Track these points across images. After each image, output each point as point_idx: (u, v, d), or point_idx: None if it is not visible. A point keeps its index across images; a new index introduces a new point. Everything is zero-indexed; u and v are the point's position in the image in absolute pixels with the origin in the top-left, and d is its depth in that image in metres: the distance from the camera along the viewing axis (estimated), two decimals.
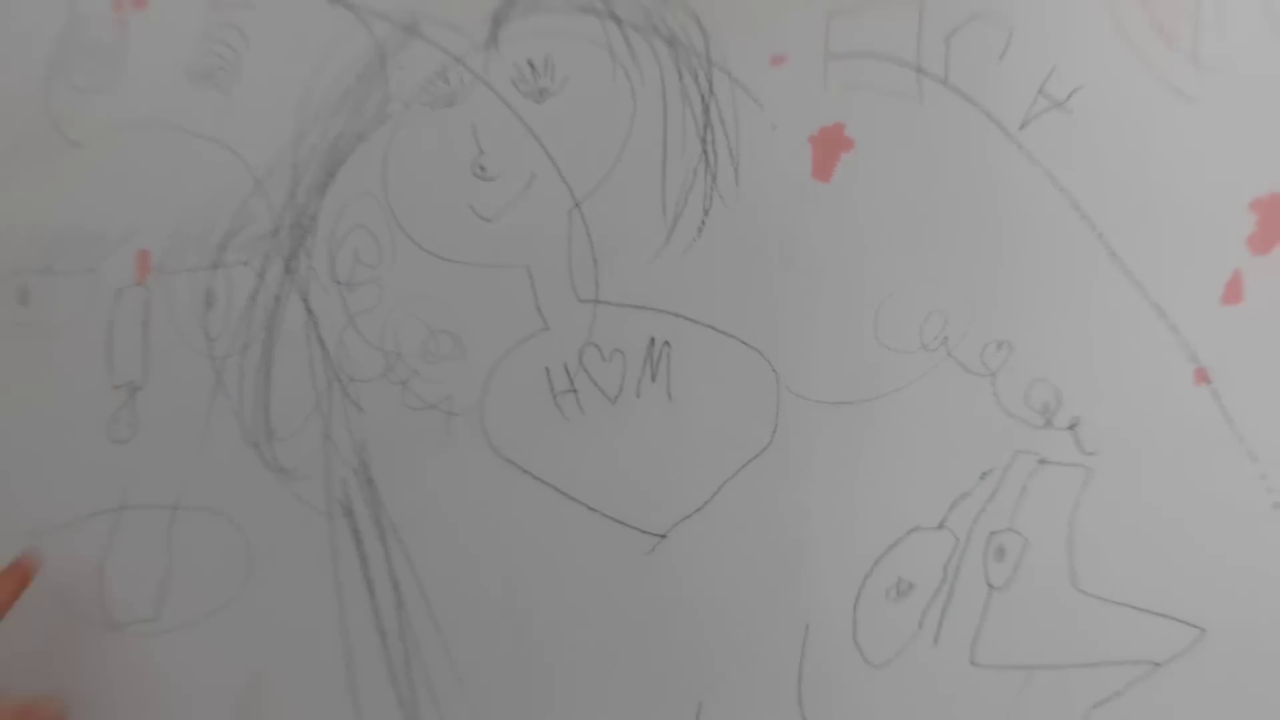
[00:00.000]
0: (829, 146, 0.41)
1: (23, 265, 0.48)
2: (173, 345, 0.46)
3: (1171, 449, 0.37)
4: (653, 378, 0.41)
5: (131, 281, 0.46)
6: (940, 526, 0.38)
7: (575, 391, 0.41)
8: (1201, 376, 0.37)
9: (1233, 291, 0.37)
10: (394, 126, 0.45)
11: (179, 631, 0.45)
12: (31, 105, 0.48)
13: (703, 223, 0.41)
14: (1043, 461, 0.37)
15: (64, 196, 0.47)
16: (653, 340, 0.41)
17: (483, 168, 0.44)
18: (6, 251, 0.47)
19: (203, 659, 0.45)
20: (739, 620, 0.39)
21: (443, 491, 0.42)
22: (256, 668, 0.44)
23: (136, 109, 0.48)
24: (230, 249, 0.45)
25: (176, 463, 0.45)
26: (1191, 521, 0.36)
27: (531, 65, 0.44)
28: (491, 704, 0.41)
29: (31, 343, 0.47)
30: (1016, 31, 0.40)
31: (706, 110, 0.42)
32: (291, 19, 0.46)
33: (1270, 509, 0.36)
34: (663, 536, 0.40)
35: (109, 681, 0.45)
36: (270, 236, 0.45)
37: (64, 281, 0.47)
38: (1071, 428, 0.37)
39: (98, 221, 0.47)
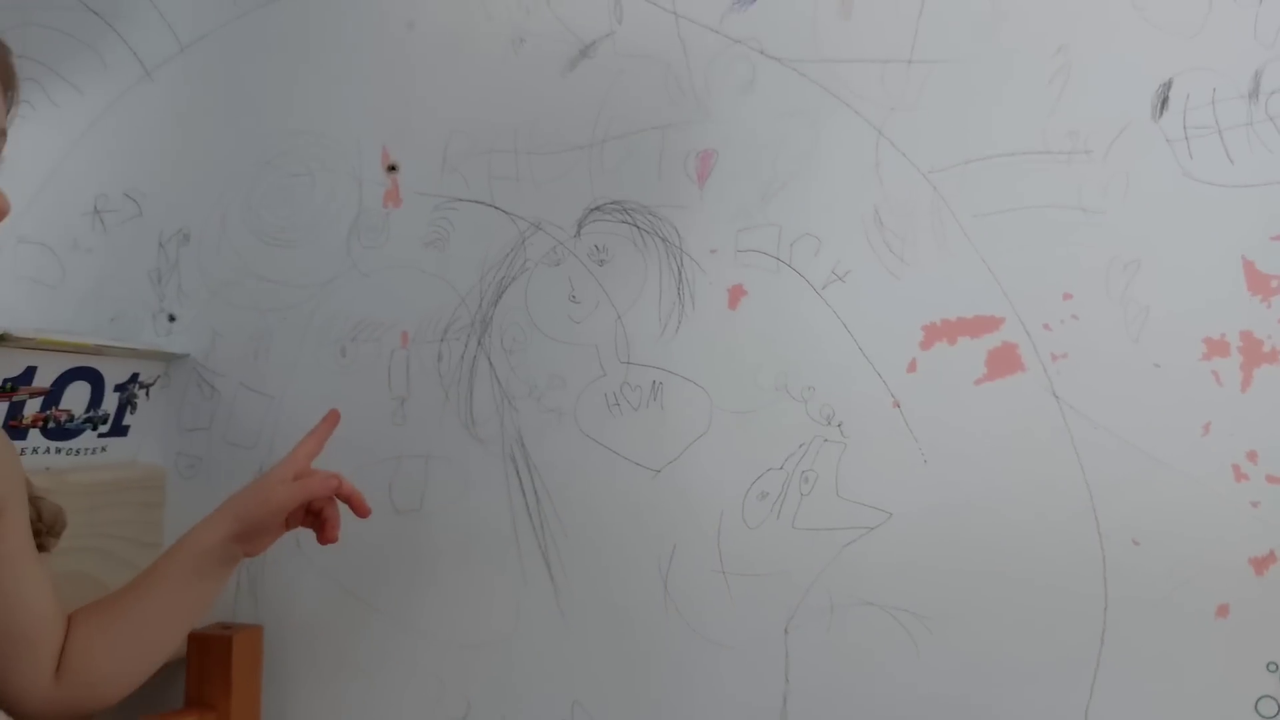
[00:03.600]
0: (736, 294, 0.81)
1: (342, 337, 0.88)
2: (421, 379, 0.87)
3: (880, 435, 0.77)
4: (654, 399, 0.82)
5: (399, 346, 0.87)
6: (781, 468, 0.78)
7: (619, 405, 0.82)
8: (895, 404, 0.77)
9: (911, 366, 0.77)
10: (530, 274, 0.85)
11: (433, 515, 0.86)
12: (340, 253, 0.89)
13: (678, 327, 0.82)
14: (826, 440, 0.78)
15: (362, 303, 0.88)
16: (654, 382, 0.82)
17: (574, 297, 0.84)
18: (334, 331, 0.88)
19: (438, 534, 0.86)
20: (692, 509, 0.80)
21: (557, 449, 0.83)
22: (472, 532, 0.85)
23: (394, 258, 0.88)
24: (450, 331, 0.86)
25: (427, 437, 0.86)
26: (886, 466, 0.76)
27: (597, 247, 0.84)
28: (581, 546, 0.82)
29: (348, 376, 0.88)
30: (824, 241, 0.79)
31: (679, 273, 0.82)
32: (475, 217, 0.86)
33: (922, 463, 0.76)
34: (659, 471, 0.81)
35: (389, 547, 0.87)
36: (469, 326, 0.86)
37: (363, 345, 0.88)
38: (839, 426, 0.78)
39: (380, 314, 0.88)
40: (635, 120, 0.84)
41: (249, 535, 0.71)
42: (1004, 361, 0.76)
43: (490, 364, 0.87)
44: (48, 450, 0.86)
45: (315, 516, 0.73)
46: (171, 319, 0.95)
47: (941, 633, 0.76)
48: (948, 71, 0.78)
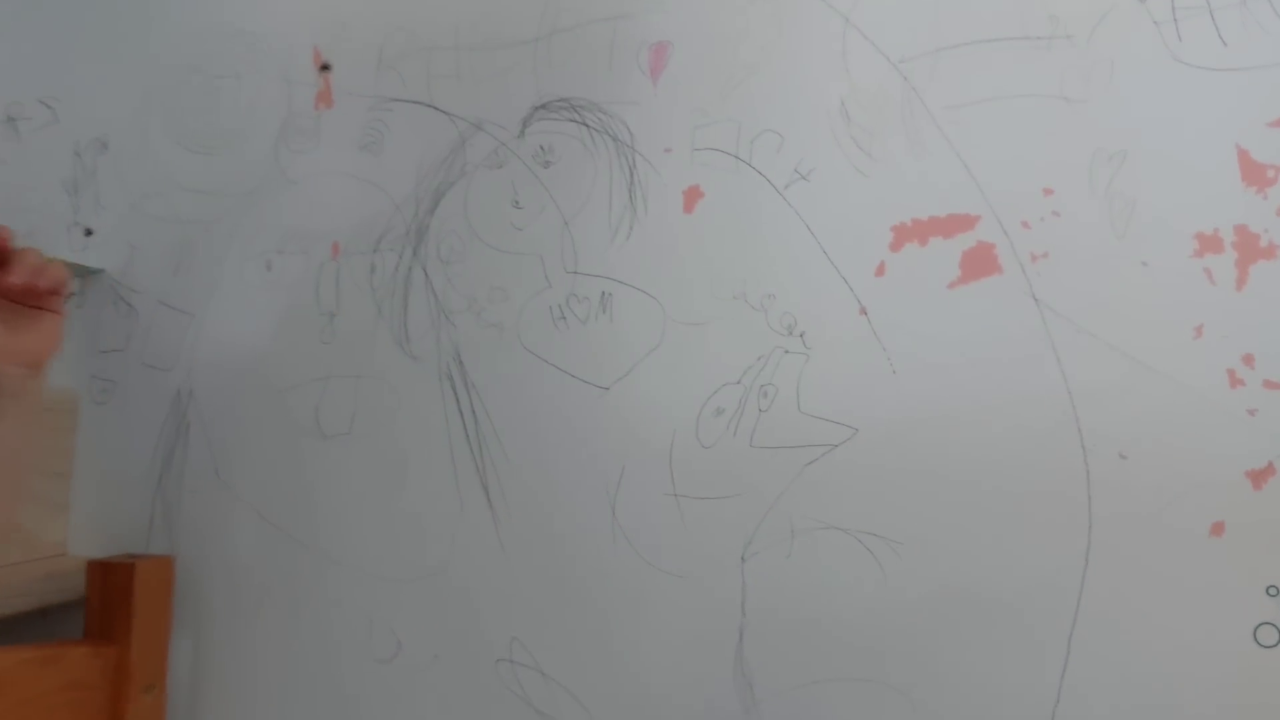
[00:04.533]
0: (692, 196, 0.74)
1: (268, 249, 0.81)
2: (353, 293, 0.79)
3: (846, 345, 0.70)
4: (603, 311, 0.75)
5: (329, 258, 0.80)
6: (738, 382, 0.72)
7: (565, 319, 0.75)
8: (862, 312, 0.70)
9: (880, 270, 0.70)
10: (470, 179, 0.78)
11: (363, 439, 0.79)
12: (268, 160, 0.82)
13: (629, 233, 0.75)
14: (787, 351, 0.71)
15: (290, 213, 0.81)
16: (603, 293, 0.75)
17: (517, 202, 0.77)
18: (259, 243, 0.81)
19: (368, 460, 0.79)
20: (641, 429, 0.73)
21: (498, 366, 0.76)
22: (405, 457, 0.78)
23: (325, 164, 0.81)
24: (383, 242, 0.79)
25: (357, 355, 0.79)
26: (853, 379, 0.70)
27: (542, 148, 0.77)
28: (523, 470, 0.75)
29: (274, 291, 0.81)
30: (786, 139, 0.73)
31: (631, 175, 0.75)
32: (412, 118, 0.79)
33: (890, 373, 0.69)
34: (607, 389, 0.74)
35: (315, 475, 0.79)
36: (404, 235, 0.79)
37: (291, 258, 0.81)
38: (801, 335, 0.71)
39: (309, 225, 0.81)
40: (584, 11, 0.78)
41: None
42: (979, 263, 0.70)
43: (426, 276, 0.80)
44: None
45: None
46: (88, 233, 0.87)
47: (911, 557, 0.69)
48: None
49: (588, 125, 0.77)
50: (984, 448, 0.68)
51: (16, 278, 0.56)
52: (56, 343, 0.59)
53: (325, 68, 0.83)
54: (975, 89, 0.71)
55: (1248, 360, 0.64)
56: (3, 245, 0.55)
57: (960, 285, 0.70)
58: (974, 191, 0.70)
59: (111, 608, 0.72)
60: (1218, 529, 0.64)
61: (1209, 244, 0.66)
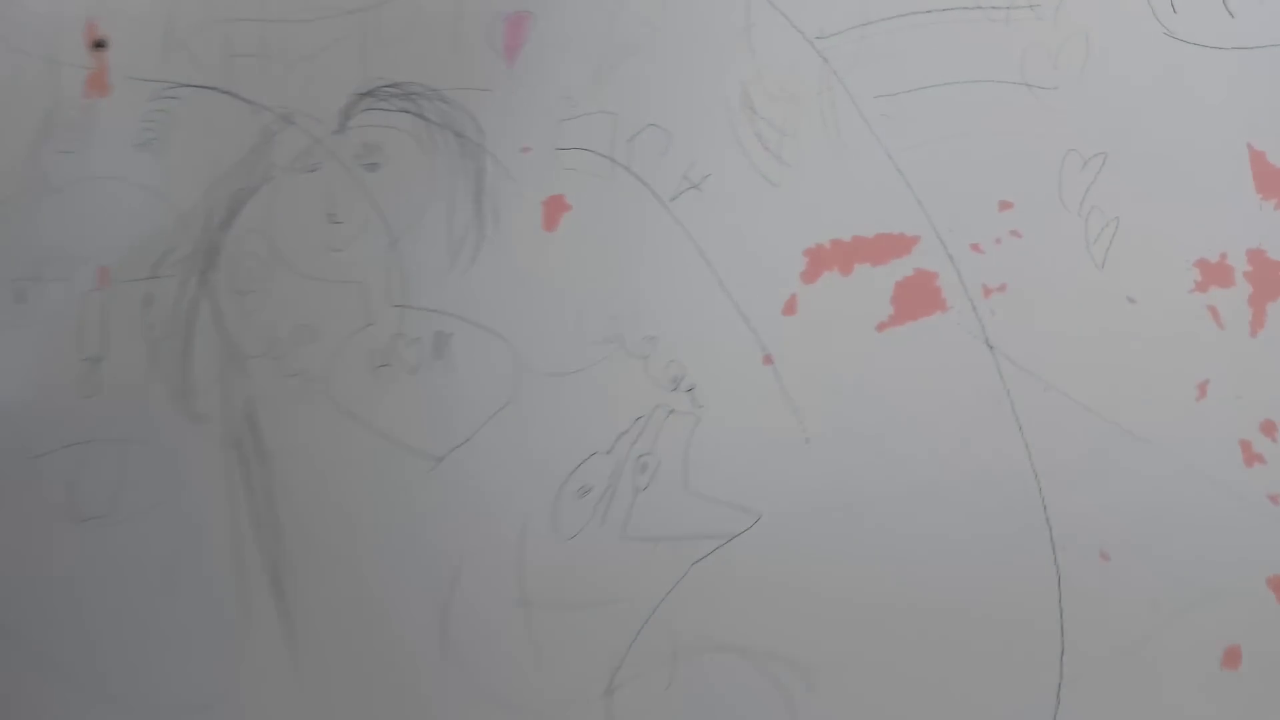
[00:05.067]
0: (554, 209, 0.58)
1: (19, 274, 0.64)
2: (123, 332, 0.62)
3: (746, 404, 0.54)
4: (439, 357, 0.58)
5: (95, 287, 0.62)
6: (609, 452, 0.55)
7: (389, 365, 0.58)
8: (768, 360, 0.54)
9: (790, 307, 0.55)
10: (275, 185, 0.61)
11: (129, 524, 0.61)
12: (24, 161, 0.64)
13: (474, 256, 0.58)
14: (672, 411, 0.55)
15: (50, 229, 0.63)
16: (439, 332, 0.58)
17: (334, 215, 0.60)
18: (9, 267, 0.63)
19: (134, 552, 0.61)
20: (483, 515, 0.56)
21: (301, 429, 0.59)
22: (179, 549, 0.60)
23: (95, 166, 0.64)
24: (163, 266, 0.62)
25: (126, 413, 0.61)
26: (755, 448, 0.54)
27: (367, 146, 0.60)
28: (329, 568, 0.58)
29: (24, 329, 0.63)
30: (674, 136, 0.57)
31: (478, 181, 0.59)
32: (205, 108, 0.62)
33: (803, 441, 0.54)
34: (441, 459, 0.57)
35: (67, 570, 0.62)
36: (190, 257, 0.61)
37: (48, 286, 0.63)
38: (690, 391, 0.55)
39: (72, 244, 0.63)
40: None
41: None
42: (918, 297, 0.54)
43: (216, 309, 0.62)
44: None
45: None
46: None
47: (828, 691, 0.52)
48: None
49: (425, 118, 0.61)
50: (923, 542, 0.52)
51: None
52: None
53: (100, 45, 0.66)
54: (913, 73, 0.55)
55: (1268, 429, 0.49)
56: None
57: (893, 327, 0.54)
58: (911, 205, 0.54)
59: None
60: (1232, 658, 0.48)
61: (1215, 274, 0.50)
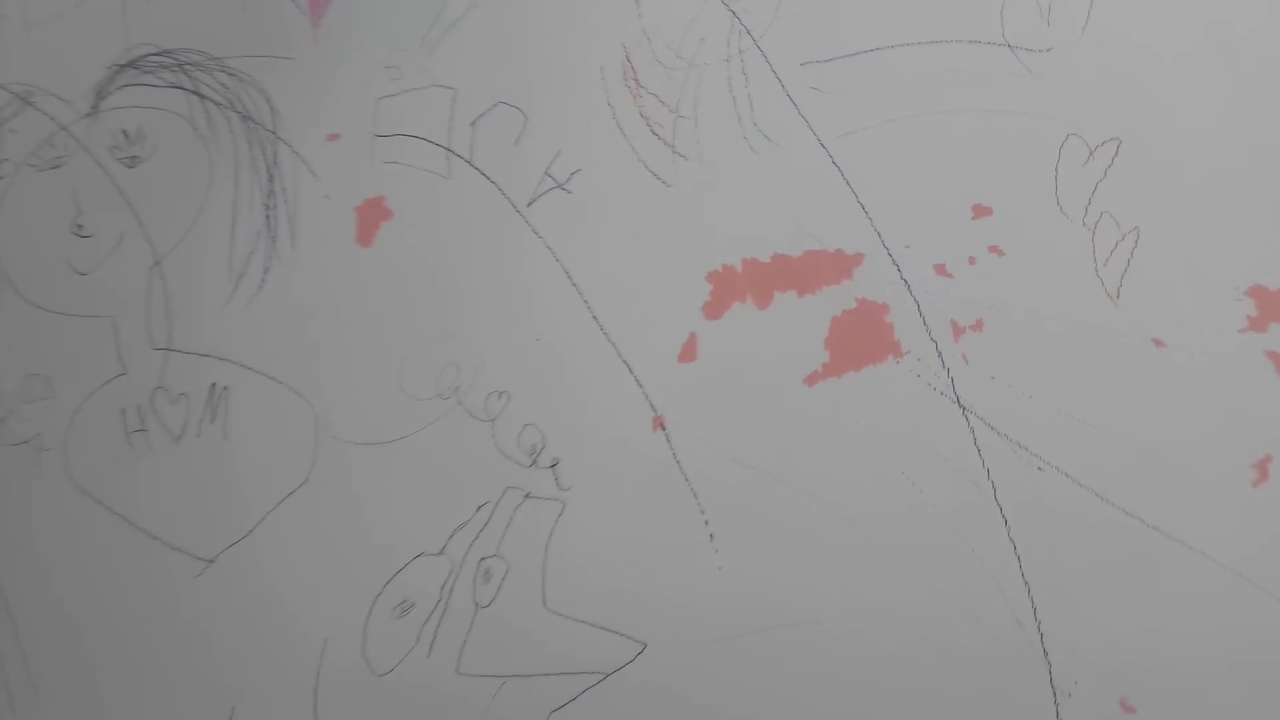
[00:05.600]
0: (371, 216, 0.43)
1: None
2: None
3: (630, 486, 0.40)
4: (212, 419, 0.43)
5: None
6: (441, 553, 0.40)
7: (146, 430, 0.43)
8: (659, 424, 0.40)
9: (689, 351, 0.40)
10: (4, 187, 0.46)
11: None
12: None
13: (263, 280, 0.43)
14: (528, 496, 0.40)
15: None
16: (214, 385, 0.43)
17: (80, 226, 0.45)
18: None
19: None
20: (268, 635, 0.41)
21: (31, 518, 0.44)
22: None
23: None
24: None
25: None
26: (641, 549, 0.39)
27: (126, 134, 0.45)
28: (57, 704, 0.42)
29: None
30: (531, 117, 0.43)
31: (271, 179, 0.44)
32: None
33: (706, 540, 0.39)
34: (211, 561, 0.42)
35: None
36: None
37: None
38: (553, 466, 0.40)
39: None
40: None
41: None
42: (862, 338, 0.39)
43: None
44: None
45: None
46: None
47: None
48: None
49: (201, 95, 0.45)
50: (872, 688, 0.38)
51: None
52: None
53: None
54: (854, 33, 0.41)
55: None
56: None
57: (827, 379, 0.40)
58: (852, 211, 0.40)
59: None
60: None
61: (1274, 306, 0.37)
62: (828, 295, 0.39)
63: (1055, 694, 0.36)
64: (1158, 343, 0.36)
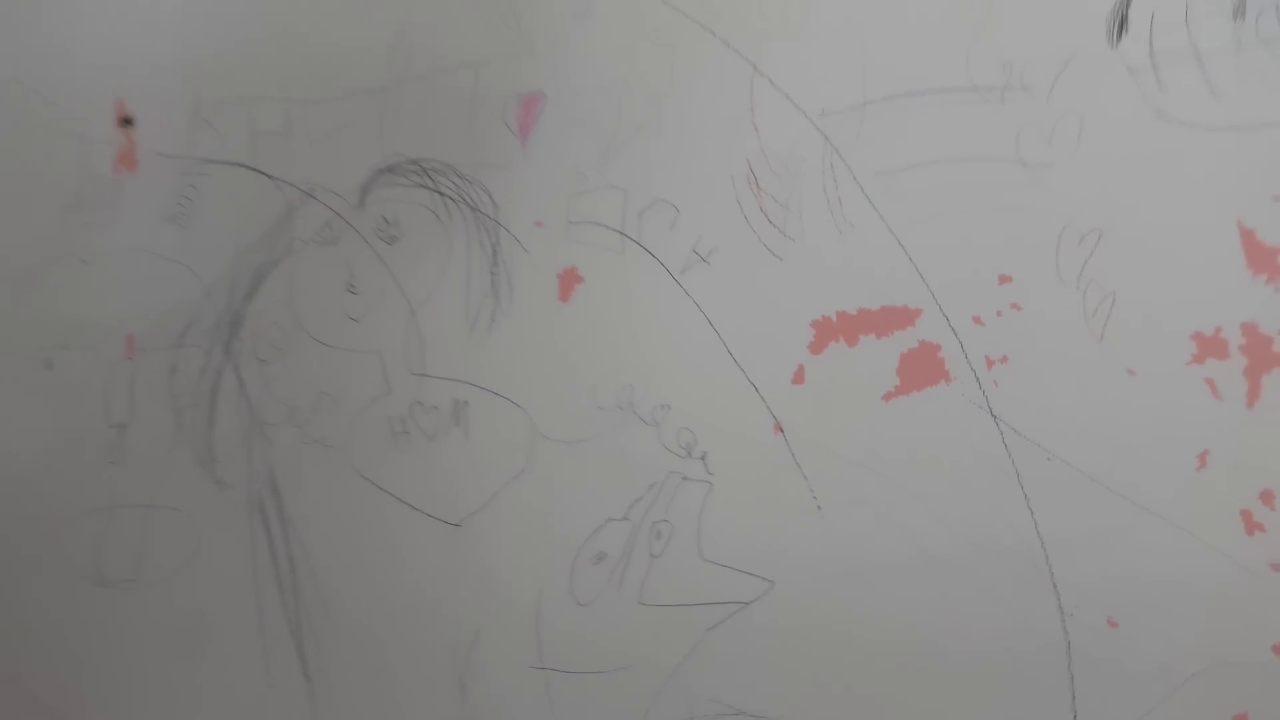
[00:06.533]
0: (568, 281, 0.58)
1: (47, 343, 0.64)
2: (149, 400, 0.62)
3: (759, 472, 0.54)
4: (456, 424, 0.58)
5: (123, 356, 0.63)
6: (624, 518, 0.55)
7: (408, 433, 0.59)
8: (778, 429, 0.55)
9: (799, 376, 0.55)
10: (297, 257, 0.62)
11: (154, 588, 0.61)
12: (55, 235, 0.65)
13: (490, 325, 0.59)
14: (685, 478, 0.55)
15: (79, 299, 0.64)
16: (457, 400, 0.58)
17: (353, 286, 0.61)
18: (38, 336, 0.64)
19: (159, 616, 0.61)
20: (501, 579, 0.56)
21: (322, 495, 0.59)
22: (204, 613, 0.60)
23: (124, 239, 0.65)
24: (188, 335, 0.62)
25: (151, 479, 0.62)
26: (767, 515, 0.54)
27: (385, 219, 0.61)
28: (350, 632, 0.57)
29: (53, 397, 0.64)
30: (681, 211, 0.58)
31: (494, 253, 0.59)
32: (230, 183, 0.63)
33: (815, 509, 0.54)
34: (458, 525, 0.57)
35: (92, 635, 0.62)
36: (215, 328, 0.62)
37: (76, 355, 0.64)
38: (703, 458, 0.55)
39: (100, 314, 0.64)
40: (441, 55, 0.61)
41: None
42: (922, 368, 0.54)
43: (239, 378, 0.63)
44: None
45: None
46: None
47: None
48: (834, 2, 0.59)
49: (442, 192, 0.62)
50: (933, 610, 0.52)
51: None
52: None
53: (127, 122, 0.67)
54: (912, 150, 0.55)
55: (1267, 498, 0.49)
56: None
57: (898, 396, 0.54)
58: (913, 278, 0.55)
59: None
60: None
61: (1210, 347, 0.51)
62: (897, 338, 0.54)
63: (1062, 615, 0.50)
64: (1130, 371, 0.50)
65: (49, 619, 0.62)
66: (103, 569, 0.62)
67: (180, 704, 0.59)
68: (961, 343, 0.53)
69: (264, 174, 0.63)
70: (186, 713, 0.59)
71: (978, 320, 0.53)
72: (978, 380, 0.53)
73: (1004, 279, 0.53)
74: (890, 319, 0.54)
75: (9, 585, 0.62)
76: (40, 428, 0.63)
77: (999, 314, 0.53)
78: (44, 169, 0.66)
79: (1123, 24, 0.53)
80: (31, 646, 0.62)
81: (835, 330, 0.55)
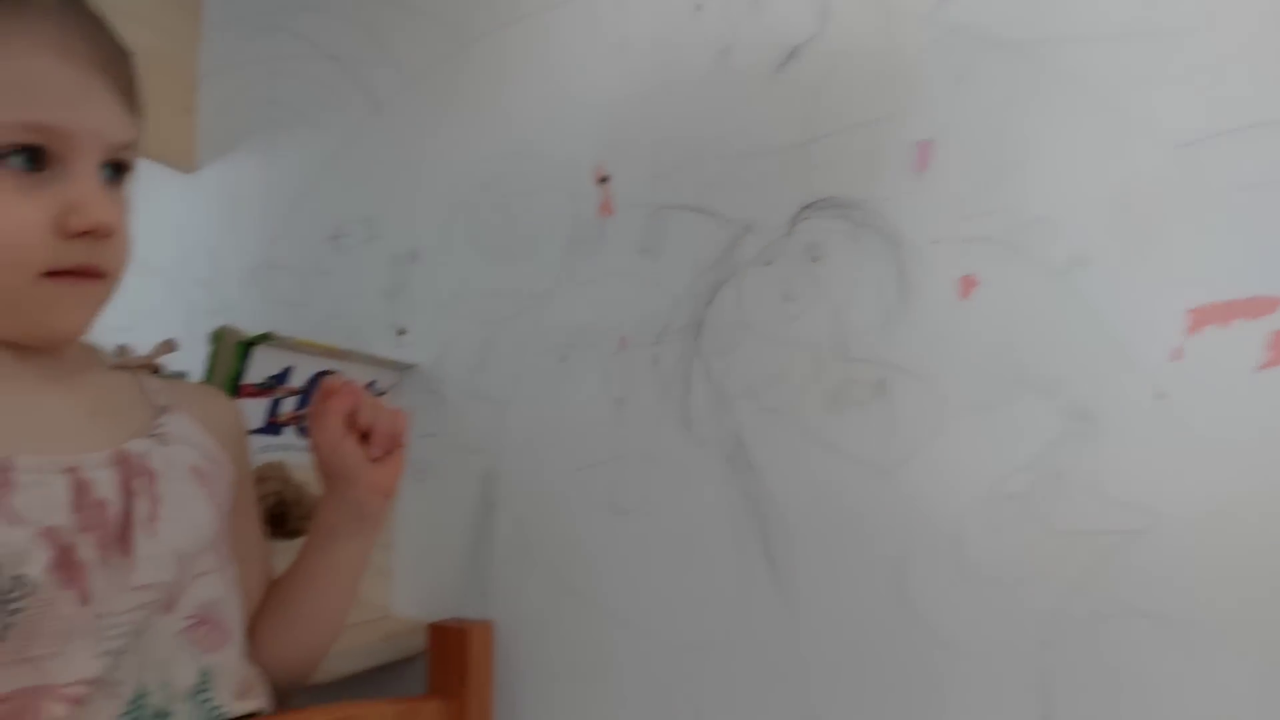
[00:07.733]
0: (966, 284, 0.73)
1: (561, 343, 0.88)
2: (638, 381, 0.84)
3: (1139, 433, 0.67)
4: (881, 396, 0.75)
5: (617, 350, 0.85)
6: (1029, 467, 0.70)
7: (841, 403, 0.76)
8: (1160, 395, 0.67)
9: (1177, 354, 0.67)
10: (742, 275, 0.81)
11: (654, 515, 0.83)
12: (558, 265, 0.88)
13: (903, 320, 0.75)
14: (1080, 437, 0.69)
15: (578, 310, 0.87)
16: (879, 379, 0.75)
17: (788, 296, 0.79)
18: (553, 338, 0.87)
19: (659, 535, 0.83)
20: (937, 514, 0.72)
21: (778, 450, 0.78)
22: (692, 533, 0.81)
23: (611, 266, 0.87)
24: (664, 335, 0.83)
25: (645, 438, 0.84)
26: (1154, 464, 0.66)
27: (810, 245, 0.79)
28: (808, 547, 0.76)
29: (568, 380, 0.87)
30: (1062, 226, 0.71)
31: (901, 266, 0.75)
32: (686, 221, 0.83)
33: (1192, 463, 0.65)
34: (889, 471, 0.74)
35: (611, 547, 0.84)
36: (683, 329, 0.83)
37: (583, 351, 0.87)
38: (1095, 421, 0.68)
39: (597, 321, 0.87)
40: (846, 115, 0.79)
41: (330, 473, 0.65)
42: None
43: (706, 365, 0.83)
44: (297, 449, 0.89)
45: (366, 433, 0.66)
46: (401, 332, 0.97)
47: (1231, 643, 0.65)
48: (1196, 38, 0.68)
49: (853, 221, 0.79)
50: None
51: (384, 427, 0.65)
52: (402, 471, 0.67)
53: (605, 180, 0.89)
54: (1267, 170, 0.67)
55: None
56: (384, 410, 0.65)
57: (1270, 367, 0.65)
58: (1275, 272, 0.66)
59: (448, 668, 0.79)
60: None
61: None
62: (1266, 320, 0.64)
63: None
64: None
65: (580, 536, 0.86)
66: (615, 502, 0.85)
67: (681, 600, 0.81)
68: None
69: (712, 214, 0.83)
70: (686, 605, 0.81)
71: None
72: None
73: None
74: (1257, 306, 0.65)
75: (551, 515, 0.87)
76: (562, 403, 0.87)
77: None
78: (548, 218, 0.90)
79: None
80: (571, 557, 0.86)
81: (1209, 316, 0.66)
